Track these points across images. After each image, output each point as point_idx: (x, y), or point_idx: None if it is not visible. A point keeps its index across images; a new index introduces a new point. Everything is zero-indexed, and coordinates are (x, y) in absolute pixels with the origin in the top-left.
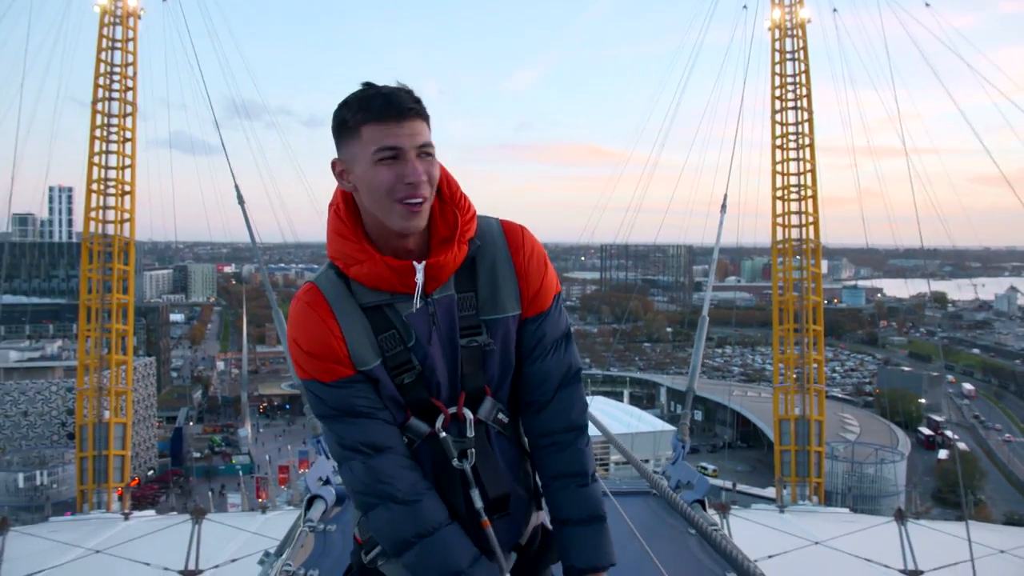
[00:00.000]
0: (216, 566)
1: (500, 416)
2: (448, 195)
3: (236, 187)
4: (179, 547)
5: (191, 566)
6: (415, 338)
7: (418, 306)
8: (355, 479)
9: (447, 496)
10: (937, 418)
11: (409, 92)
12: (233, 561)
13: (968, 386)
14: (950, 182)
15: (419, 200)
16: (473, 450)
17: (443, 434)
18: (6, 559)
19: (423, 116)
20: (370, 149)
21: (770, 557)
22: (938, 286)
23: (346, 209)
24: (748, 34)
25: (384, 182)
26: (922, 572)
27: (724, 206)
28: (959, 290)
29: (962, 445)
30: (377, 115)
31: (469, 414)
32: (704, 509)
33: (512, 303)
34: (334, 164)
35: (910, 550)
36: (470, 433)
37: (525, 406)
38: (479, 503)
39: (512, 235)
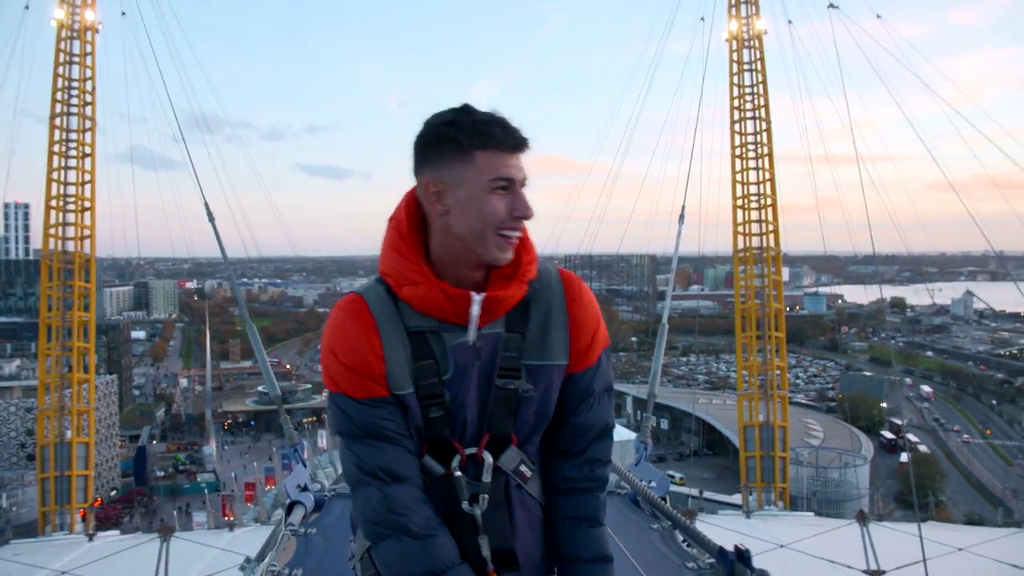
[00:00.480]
0: None
1: (523, 468)
2: None
3: (206, 204)
4: (146, 566)
5: None
6: (451, 371)
7: (473, 339)
8: (368, 507)
9: (458, 539)
10: (898, 422)
11: (511, 123)
12: None
13: (926, 388)
14: (905, 189)
15: (519, 233)
16: (486, 496)
17: (458, 473)
18: None
19: (529, 147)
20: (485, 176)
21: None
22: (897, 291)
23: (408, 226)
24: (705, 45)
25: (496, 211)
26: (884, 572)
27: (682, 216)
28: (917, 295)
29: (923, 448)
30: (497, 143)
31: (489, 458)
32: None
33: (560, 352)
34: (425, 185)
35: (872, 551)
36: (486, 478)
37: (555, 453)
38: (486, 552)
39: (570, 284)
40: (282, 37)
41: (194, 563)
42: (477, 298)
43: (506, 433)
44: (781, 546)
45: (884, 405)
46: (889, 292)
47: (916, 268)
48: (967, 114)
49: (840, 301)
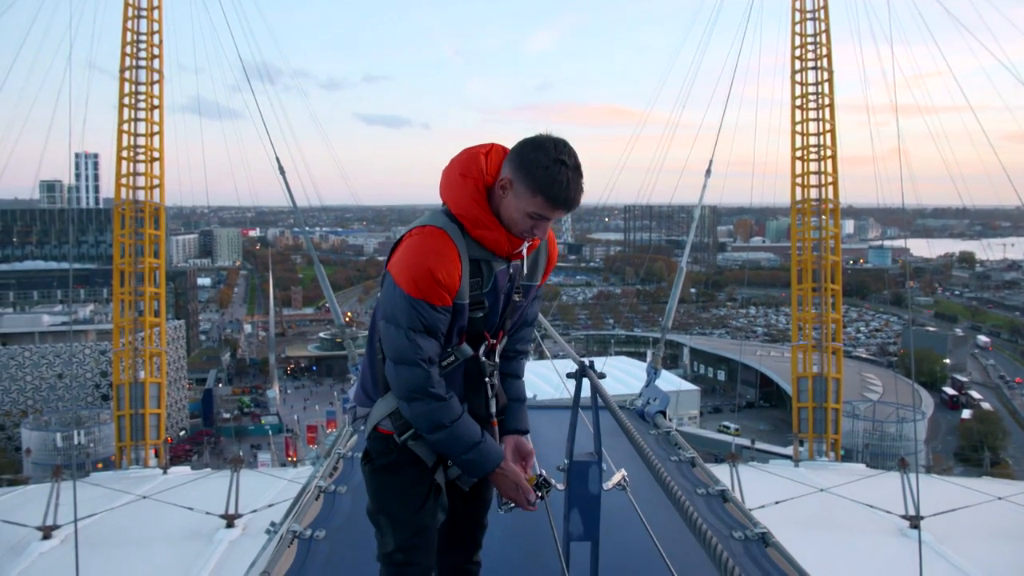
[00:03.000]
0: (254, 511)
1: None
2: None
3: (276, 158)
4: (218, 496)
5: (231, 511)
6: (491, 287)
7: (525, 270)
8: (414, 380)
9: (473, 401)
10: (961, 378)
11: (582, 186)
12: (270, 506)
13: (983, 338)
14: (977, 140)
15: (532, 240)
16: (495, 371)
17: (483, 358)
18: (61, 505)
19: (577, 207)
20: (531, 208)
21: (777, 503)
22: (967, 246)
23: (484, 189)
24: None
25: (524, 227)
26: (922, 517)
27: (708, 170)
28: (988, 249)
29: (986, 405)
30: (552, 201)
31: (498, 345)
32: (664, 418)
33: (540, 275)
34: (504, 175)
35: (913, 498)
36: (496, 359)
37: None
38: (494, 407)
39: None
40: None
41: (261, 494)
42: (525, 247)
43: (508, 327)
44: (821, 490)
45: (947, 361)
46: (959, 246)
47: (988, 222)
48: None
49: (906, 255)
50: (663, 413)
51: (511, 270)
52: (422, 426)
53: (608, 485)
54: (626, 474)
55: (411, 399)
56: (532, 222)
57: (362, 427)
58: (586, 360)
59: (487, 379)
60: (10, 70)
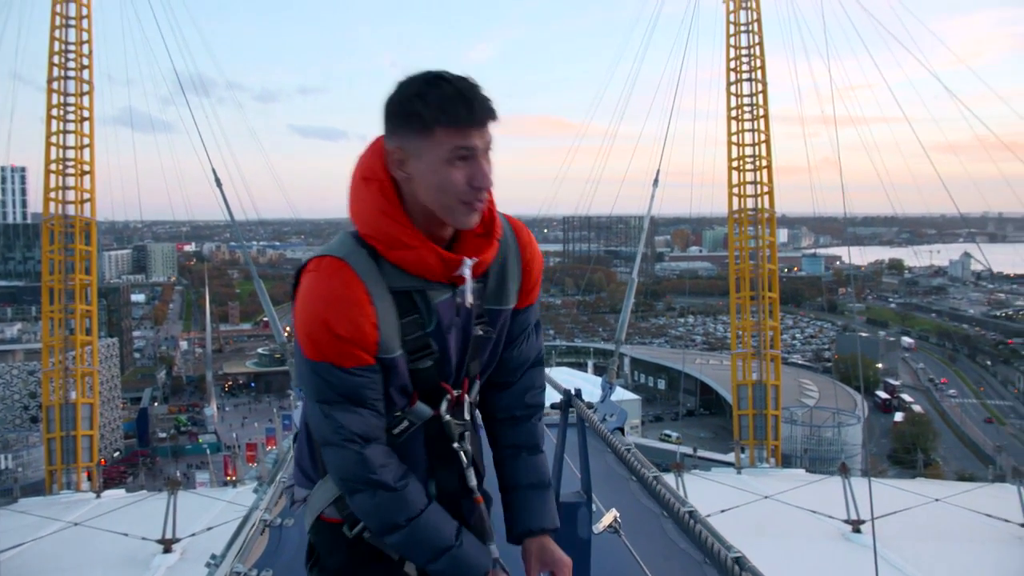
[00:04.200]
0: (193, 534)
1: (477, 396)
2: None
3: (213, 170)
4: (154, 520)
5: (168, 535)
6: (435, 324)
7: (471, 301)
8: (345, 466)
9: (442, 476)
10: (893, 382)
11: (485, 95)
12: (209, 529)
13: (907, 340)
14: (904, 151)
15: (483, 201)
16: (469, 433)
17: (447, 417)
18: None
19: (496, 118)
20: (444, 149)
21: (723, 511)
22: (895, 253)
23: (392, 189)
24: (700, 7)
25: (455, 184)
26: (863, 521)
27: (656, 180)
28: (915, 257)
29: (917, 407)
30: (456, 120)
31: (467, 398)
32: (622, 435)
33: (514, 297)
34: (390, 151)
35: (853, 502)
36: (468, 416)
37: (492, 386)
38: (473, 481)
39: (519, 231)
40: None
41: (199, 516)
42: (469, 262)
43: (477, 373)
44: (766, 497)
45: (879, 365)
46: (887, 253)
47: (915, 230)
48: (965, 75)
49: (838, 263)
50: (621, 429)
51: (458, 298)
52: (371, 524)
53: (599, 528)
54: (618, 514)
55: (350, 490)
56: (460, 171)
57: (302, 513)
58: (572, 389)
59: (455, 444)
60: None
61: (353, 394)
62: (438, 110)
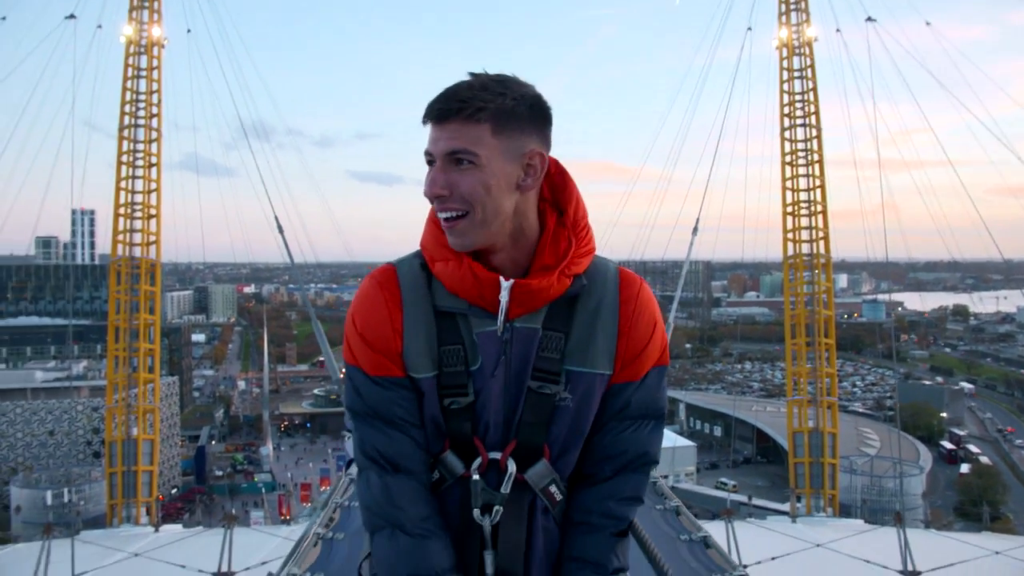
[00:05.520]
0: (247, 568)
1: (552, 489)
2: (571, 220)
3: (275, 217)
4: (210, 554)
5: (224, 568)
6: (480, 363)
7: (500, 329)
8: (368, 492)
9: (462, 549)
10: (959, 432)
11: (469, 87)
12: (263, 563)
13: (967, 385)
14: (966, 194)
15: (446, 215)
16: (500, 509)
17: (476, 476)
18: (52, 563)
19: (470, 116)
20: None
21: (773, 559)
22: (959, 299)
23: None
24: (753, 54)
25: (424, 191)
26: (919, 572)
27: (696, 228)
28: (981, 303)
29: (984, 459)
30: (425, 116)
31: (512, 467)
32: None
33: (605, 360)
34: None
35: (908, 552)
36: (505, 489)
37: (578, 479)
38: (490, 570)
39: (627, 284)
40: (331, 44)
41: (255, 552)
42: (506, 284)
43: (537, 444)
44: (818, 545)
45: (944, 415)
46: (951, 299)
47: (980, 275)
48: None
49: (900, 308)
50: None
51: (506, 335)
52: (381, 573)
53: None
54: None
55: (372, 525)
56: (425, 180)
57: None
58: None
59: (477, 513)
60: (13, 130)
61: (382, 409)
62: (426, 107)
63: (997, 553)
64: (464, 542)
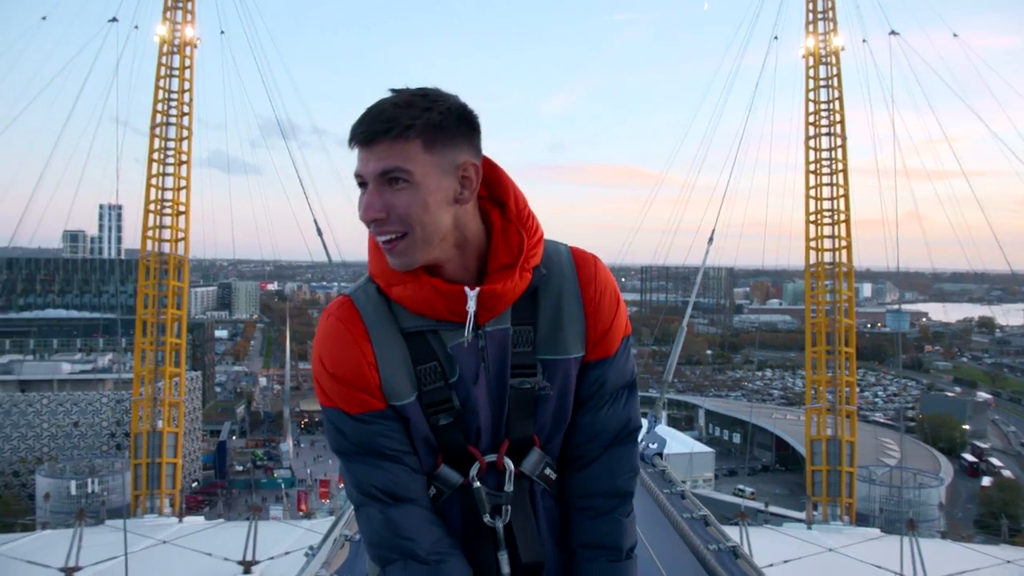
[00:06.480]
0: (271, 558)
1: (547, 472)
2: (514, 214)
3: (315, 220)
4: (233, 544)
5: (248, 557)
6: (459, 374)
7: (468, 339)
8: (372, 529)
9: (474, 557)
10: (981, 445)
11: (394, 106)
12: (287, 554)
13: (984, 395)
14: (994, 204)
15: (385, 237)
16: (509, 507)
17: (477, 484)
18: (83, 547)
19: (399, 135)
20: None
21: (785, 562)
22: (986, 311)
23: None
24: (778, 62)
25: (360, 215)
26: None
27: (711, 238)
28: (1008, 315)
29: (1007, 472)
30: (351, 138)
31: (510, 465)
32: (661, 459)
33: (576, 343)
34: None
35: (920, 559)
36: (508, 487)
37: (568, 461)
38: (506, 568)
39: (584, 266)
40: (358, 45)
41: (277, 543)
42: (472, 294)
43: (527, 436)
44: (830, 550)
45: (966, 427)
46: (977, 311)
47: (1007, 287)
48: None
49: (924, 319)
50: (660, 455)
51: (480, 341)
52: None
53: None
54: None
55: (382, 560)
56: (360, 201)
57: None
58: None
59: (487, 518)
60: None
61: (370, 444)
62: (351, 130)
63: (1008, 562)
64: (473, 549)
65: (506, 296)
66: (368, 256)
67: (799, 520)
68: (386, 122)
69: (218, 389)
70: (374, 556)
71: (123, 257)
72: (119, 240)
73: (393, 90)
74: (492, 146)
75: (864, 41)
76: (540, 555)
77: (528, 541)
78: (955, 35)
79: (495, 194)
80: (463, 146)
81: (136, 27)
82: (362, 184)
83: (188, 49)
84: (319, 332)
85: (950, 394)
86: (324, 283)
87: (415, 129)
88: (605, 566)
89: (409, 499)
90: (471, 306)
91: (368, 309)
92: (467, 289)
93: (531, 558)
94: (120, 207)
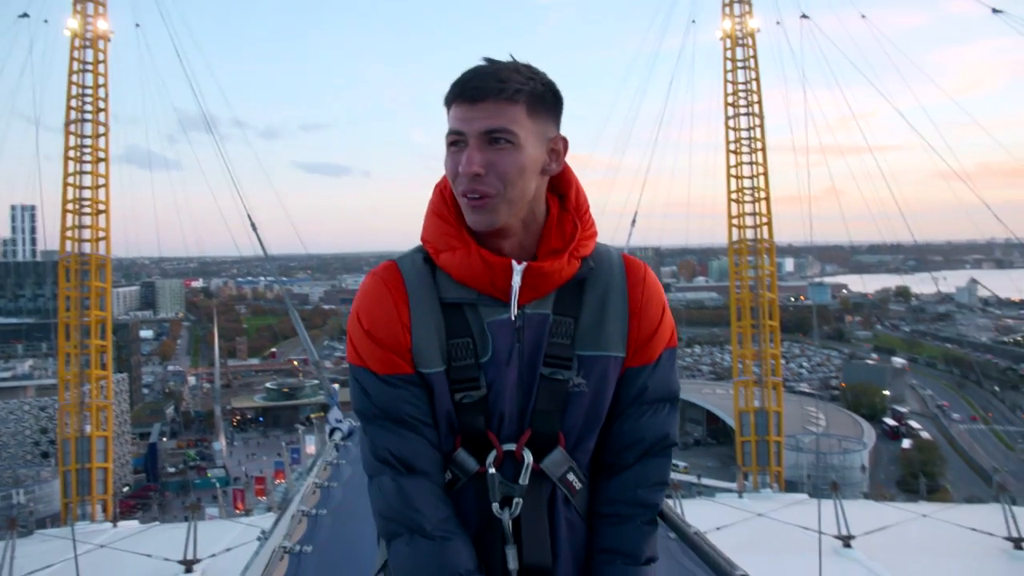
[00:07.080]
0: (213, 555)
1: (571, 478)
2: (573, 205)
3: (248, 215)
4: (172, 544)
5: (190, 556)
6: (491, 353)
7: (513, 315)
8: (382, 500)
9: (482, 548)
10: (901, 409)
11: (506, 68)
12: (228, 550)
13: (898, 360)
14: (908, 178)
15: (477, 195)
16: (520, 501)
17: (492, 470)
18: (16, 558)
19: (509, 98)
20: (448, 134)
21: (718, 529)
22: (902, 280)
23: (452, 191)
24: (697, 45)
25: (450, 171)
26: (853, 536)
27: (634, 220)
28: (922, 284)
29: (925, 434)
30: (454, 95)
31: (529, 457)
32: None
33: (617, 343)
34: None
35: (844, 519)
36: (524, 480)
37: (600, 468)
38: (513, 564)
39: (633, 268)
40: (275, 36)
41: (217, 540)
42: (519, 268)
43: (552, 432)
44: (759, 515)
45: (886, 393)
46: (894, 281)
47: (921, 257)
48: (968, 103)
49: (845, 291)
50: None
51: (518, 321)
52: None
53: None
54: None
55: (388, 532)
56: (452, 160)
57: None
58: None
59: (496, 507)
60: None
61: (392, 409)
62: (449, 88)
63: (924, 516)
64: (484, 541)
65: (552, 277)
66: (424, 222)
67: (731, 490)
68: (499, 82)
69: (146, 390)
70: (381, 529)
71: (39, 259)
72: (34, 242)
73: (488, 59)
74: (419, 134)
75: (778, 23)
76: (547, 560)
77: (536, 542)
78: (863, 16)
79: (557, 184)
80: (553, 121)
81: (46, 21)
82: (456, 142)
83: (101, 43)
84: (360, 291)
85: (870, 362)
86: (251, 278)
87: (523, 94)
88: (621, 569)
89: (423, 471)
90: (516, 280)
91: (412, 275)
92: (514, 263)
93: (536, 560)
94: (33, 207)
